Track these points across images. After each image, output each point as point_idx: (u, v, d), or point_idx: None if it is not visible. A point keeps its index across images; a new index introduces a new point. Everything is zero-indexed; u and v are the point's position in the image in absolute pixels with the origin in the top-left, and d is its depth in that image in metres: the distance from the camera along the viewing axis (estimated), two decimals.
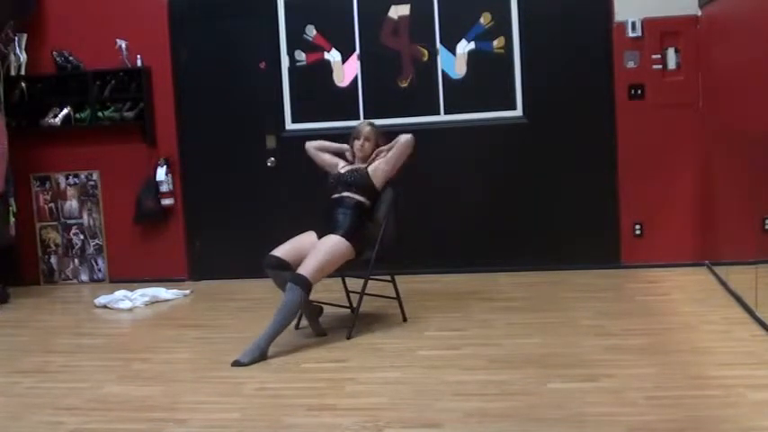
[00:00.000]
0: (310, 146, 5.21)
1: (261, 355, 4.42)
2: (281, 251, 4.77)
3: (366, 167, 4.99)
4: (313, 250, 4.69)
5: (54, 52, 6.64)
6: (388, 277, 5.05)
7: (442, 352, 4.43)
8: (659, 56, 6.01)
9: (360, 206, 4.90)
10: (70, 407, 3.89)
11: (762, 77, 4.46)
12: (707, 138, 5.89)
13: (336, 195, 4.95)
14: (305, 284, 4.54)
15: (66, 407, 3.90)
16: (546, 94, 6.19)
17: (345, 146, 5.14)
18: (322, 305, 5.08)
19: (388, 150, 5.00)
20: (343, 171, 5.03)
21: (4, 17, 6.49)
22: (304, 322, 5.03)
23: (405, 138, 5.00)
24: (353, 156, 5.10)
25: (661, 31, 5.99)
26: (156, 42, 6.53)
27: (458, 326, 4.94)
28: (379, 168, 4.97)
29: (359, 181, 4.93)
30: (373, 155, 5.03)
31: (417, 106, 6.31)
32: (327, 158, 5.18)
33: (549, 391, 3.74)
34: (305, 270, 4.57)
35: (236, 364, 4.36)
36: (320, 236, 4.81)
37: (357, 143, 5.05)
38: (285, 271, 4.69)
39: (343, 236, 4.75)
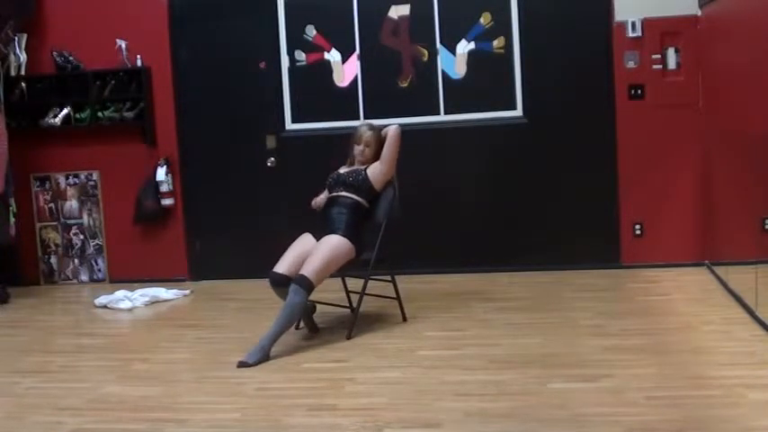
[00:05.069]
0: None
1: (265, 356, 4.42)
2: (284, 267, 4.71)
3: (365, 169, 4.98)
4: (315, 251, 4.69)
5: (54, 52, 6.64)
6: (388, 277, 5.05)
7: (442, 352, 4.44)
8: (659, 56, 6.01)
9: (357, 206, 4.89)
10: (70, 407, 3.90)
11: (762, 77, 4.46)
12: (707, 138, 5.89)
13: (334, 194, 4.94)
14: (308, 286, 4.54)
15: (66, 407, 3.90)
16: (546, 94, 6.19)
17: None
18: (315, 303, 5.06)
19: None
20: (341, 172, 5.02)
21: (4, 17, 6.49)
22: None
23: (392, 131, 4.97)
24: (351, 162, 5.08)
25: (661, 31, 5.99)
26: (156, 42, 6.53)
27: (458, 326, 4.94)
28: (376, 170, 4.96)
29: (358, 183, 4.92)
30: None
31: (417, 106, 6.31)
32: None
33: (549, 391, 3.74)
34: (307, 271, 4.57)
35: (242, 365, 4.35)
36: (318, 237, 4.81)
37: (358, 148, 5.02)
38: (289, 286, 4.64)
39: (343, 236, 4.75)
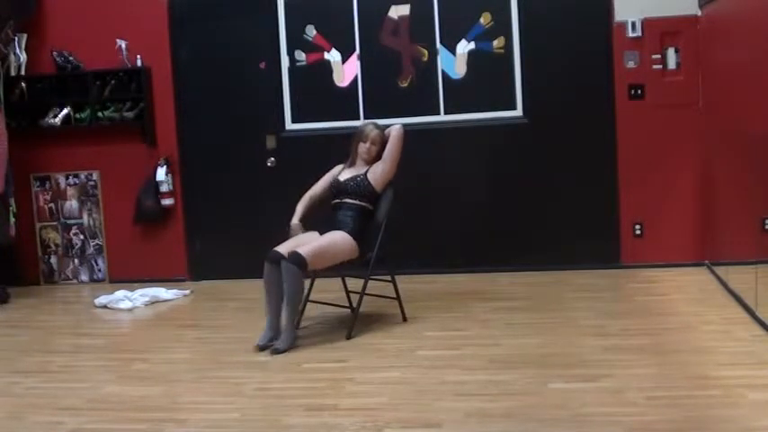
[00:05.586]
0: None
1: (293, 338, 4.61)
2: (284, 248, 4.73)
3: (365, 173, 4.98)
4: (315, 239, 4.72)
5: (54, 52, 6.64)
6: (388, 277, 5.05)
7: (442, 352, 4.44)
8: (659, 56, 6.01)
9: (362, 209, 4.91)
10: (70, 407, 3.90)
11: (762, 77, 4.46)
12: (707, 138, 5.89)
13: (337, 201, 4.95)
14: (299, 261, 4.53)
15: (66, 407, 3.90)
16: (546, 94, 6.19)
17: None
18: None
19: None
20: (342, 179, 5.02)
21: (4, 17, 6.49)
22: (305, 322, 5.04)
23: (395, 131, 4.99)
24: (353, 161, 5.07)
25: (661, 31, 5.99)
26: (156, 42, 6.53)
27: (458, 326, 4.94)
28: (377, 171, 4.96)
29: (359, 188, 4.93)
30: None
31: (417, 106, 6.31)
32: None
33: (549, 391, 3.74)
34: (303, 250, 4.58)
35: (276, 352, 4.50)
36: (323, 234, 4.83)
37: (364, 146, 5.02)
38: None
39: (349, 233, 4.77)
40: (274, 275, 4.61)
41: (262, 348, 4.56)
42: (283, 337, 4.57)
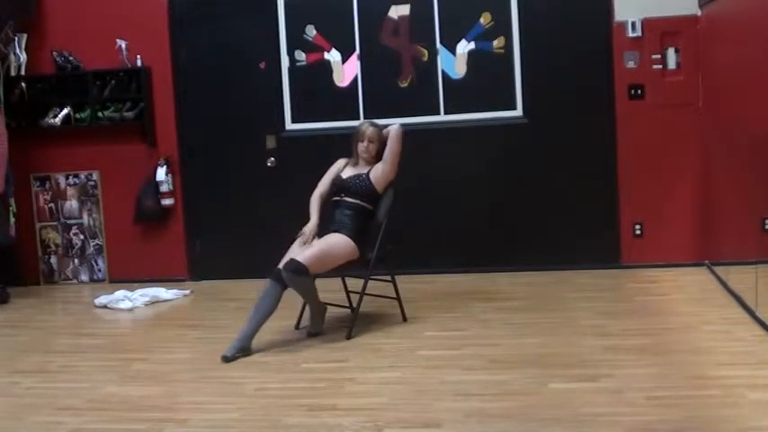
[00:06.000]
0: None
1: (321, 322, 4.91)
2: (283, 263, 4.72)
3: (367, 173, 4.98)
4: (315, 243, 4.73)
5: (54, 52, 6.64)
6: (388, 277, 5.05)
7: (442, 352, 4.44)
8: (659, 56, 6.01)
9: (362, 210, 4.90)
10: (70, 407, 3.90)
11: (762, 77, 4.46)
12: (707, 138, 5.89)
13: (337, 198, 4.95)
14: (296, 267, 4.54)
15: (66, 407, 3.90)
16: (546, 94, 6.19)
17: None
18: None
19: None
20: (345, 177, 5.02)
21: (4, 17, 6.49)
22: (305, 322, 5.03)
23: (394, 131, 4.98)
24: (356, 160, 5.07)
25: (661, 31, 5.99)
26: (156, 42, 6.53)
27: (458, 326, 4.94)
28: (379, 171, 4.96)
29: (361, 188, 4.92)
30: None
31: (417, 106, 6.31)
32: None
33: (549, 391, 3.74)
34: (301, 256, 4.59)
35: (311, 335, 4.82)
36: (322, 236, 4.82)
37: (362, 145, 5.01)
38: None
39: (348, 235, 4.76)
40: (272, 292, 4.60)
41: (228, 360, 4.44)
42: (315, 323, 4.88)
